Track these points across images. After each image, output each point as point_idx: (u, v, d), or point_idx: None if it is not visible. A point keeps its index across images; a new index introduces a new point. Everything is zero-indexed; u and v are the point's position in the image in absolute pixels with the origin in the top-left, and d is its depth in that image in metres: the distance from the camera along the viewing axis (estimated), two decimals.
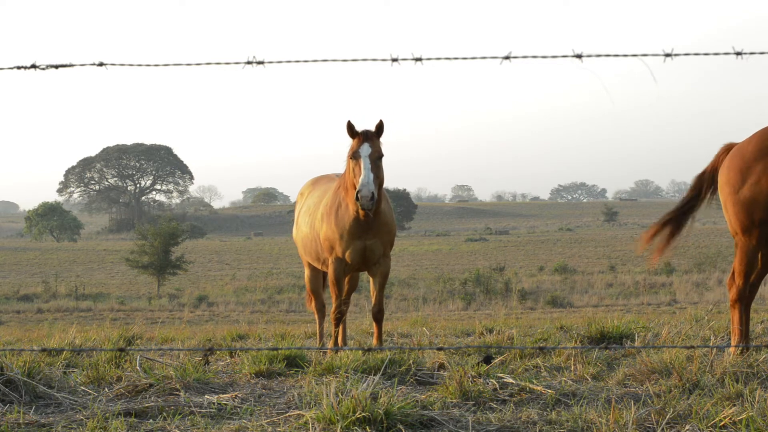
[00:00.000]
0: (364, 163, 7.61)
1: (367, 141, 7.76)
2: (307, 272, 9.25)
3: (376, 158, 7.70)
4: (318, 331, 9.35)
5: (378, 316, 8.27)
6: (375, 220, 8.01)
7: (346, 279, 8.86)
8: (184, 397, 5.84)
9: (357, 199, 7.52)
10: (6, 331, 20.24)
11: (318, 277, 9.28)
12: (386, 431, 4.95)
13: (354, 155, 7.72)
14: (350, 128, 7.83)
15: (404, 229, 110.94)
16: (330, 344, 8.64)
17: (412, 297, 48.97)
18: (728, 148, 7.55)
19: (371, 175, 7.57)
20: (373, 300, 8.31)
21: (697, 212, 7.99)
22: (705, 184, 7.86)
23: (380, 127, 7.84)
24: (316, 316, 9.40)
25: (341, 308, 8.34)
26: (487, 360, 6.80)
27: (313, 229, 8.50)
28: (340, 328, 8.49)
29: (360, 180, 7.55)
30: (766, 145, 7.05)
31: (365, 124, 7.97)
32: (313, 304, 9.39)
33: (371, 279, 8.38)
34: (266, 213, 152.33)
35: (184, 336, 12.18)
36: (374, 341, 8.33)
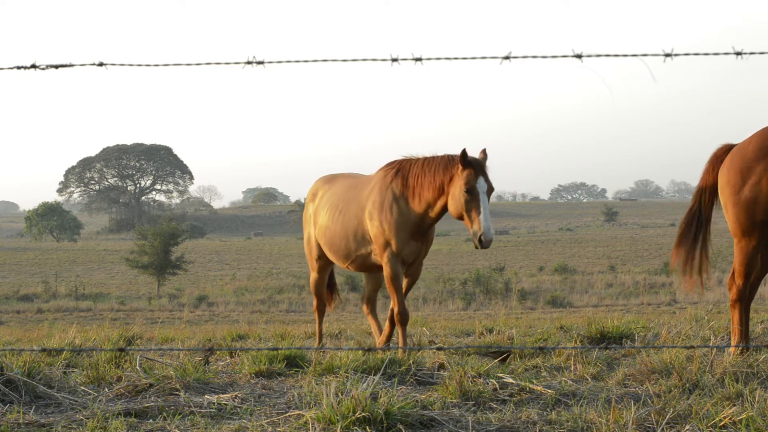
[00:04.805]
0: (484, 203, 7.38)
1: (482, 174, 7.49)
2: (313, 275, 9.14)
3: (490, 194, 7.50)
4: (317, 331, 9.26)
5: (392, 317, 8.17)
6: (432, 227, 8.00)
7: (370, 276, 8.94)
8: (184, 397, 5.84)
9: (480, 241, 7.27)
10: (6, 331, 20.25)
11: (323, 281, 9.20)
12: (386, 431, 4.95)
13: (470, 190, 7.40)
14: (464, 157, 7.49)
15: None
16: (400, 344, 8.15)
17: (412, 297, 48.98)
18: (726, 149, 7.54)
19: (489, 217, 7.36)
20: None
21: (709, 223, 7.95)
22: (704, 194, 7.84)
23: (486, 158, 7.62)
24: (316, 316, 9.31)
25: (403, 310, 8.06)
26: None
27: (347, 227, 8.30)
28: (398, 329, 8.20)
29: (482, 224, 7.29)
30: (766, 145, 7.04)
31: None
32: (315, 303, 9.29)
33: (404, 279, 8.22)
34: (266, 213, 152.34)
35: (184, 336, 12.19)
36: (401, 342, 8.07)
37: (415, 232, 7.95)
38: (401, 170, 8.05)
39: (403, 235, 7.92)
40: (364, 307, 9.12)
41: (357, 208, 8.27)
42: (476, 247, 7.40)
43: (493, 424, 5.12)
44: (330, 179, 9.10)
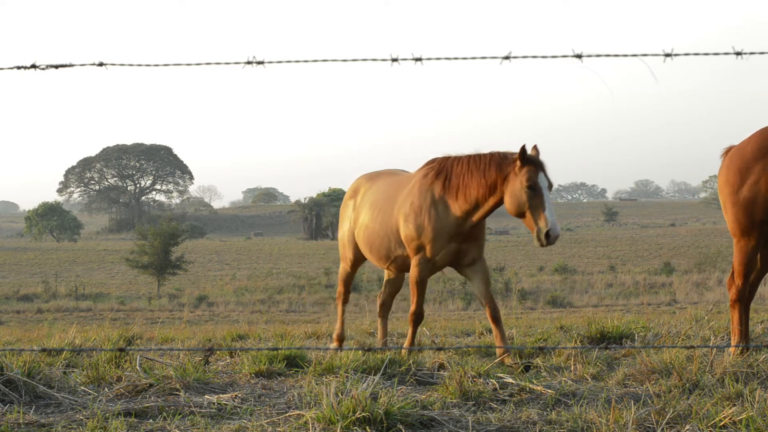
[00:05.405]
0: (547, 199, 7.25)
1: (542, 170, 7.33)
2: (345, 268, 8.99)
3: (551, 189, 7.35)
4: (340, 316, 8.99)
5: (496, 314, 7.71)
6: (476, 225, 7.71)
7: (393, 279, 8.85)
8: (184, 397, 5.84)
9: (546, 236, 7.10)
10: (6, 331, 20.23)
11: (353, 275, 9.10)
12: (386, 431, 4.95)
13: (533, 186, 7.21)
14: (523, 154, 7.28)
15: None
16: (406, 344, 8.19)
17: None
18: (728, 150, 7.55)
19: (554, 213, 7.25)
20: (485, 301, 7.78)
21: None
22: None
23: (538, 153, 7.43)
24: (338, 303, 9.09)
25: (419, 311, 8.00)
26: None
27: (387, 227, 8.07)
28: (409, 327, 8.19)
29: (548, 220, 7.14)
30: (765, 145, 7.04)
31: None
32: (340, 290, 9.13)
33: (472, 281, 7.94)
34: (266, 213, 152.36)
35: (184, 336, 12.18)
36: (498, 342, 7.68)
37: (454, 235, 7.68)
38: (443, 170, 7.78)
39: (439, 242, 7.69)
40: (379, 310, 8.92)
41: (395, 207, 8.02)
42: (542, 245, 7.21)
43: (493, 424, 5.12)
44: (373, 177, 8.84)
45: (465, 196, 7.58)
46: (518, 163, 7.29)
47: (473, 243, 7.83)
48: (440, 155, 7.96)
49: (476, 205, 7.57)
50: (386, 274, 8.98)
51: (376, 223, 8.21)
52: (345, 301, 9.17)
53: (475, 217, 7.62)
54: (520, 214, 7.32)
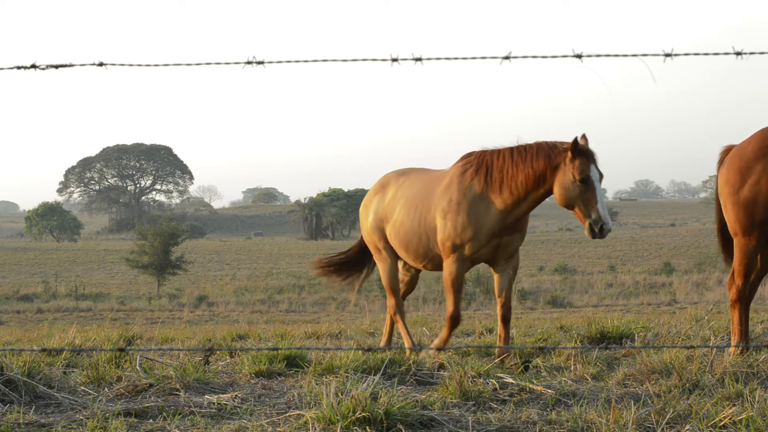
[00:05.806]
0: (599, 192, 7.12)
1: (594, 162, 7.18)
2: (383, 264, 8.49)
3: (601, 180, 7.20)
4: (404, 332, 8.32)
5: (508, 315, 7.63)
6: (514, 224, 7.54)
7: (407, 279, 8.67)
8: (184, 397, 5.84)
9: (601, 230, 6.96)
10: (6, 331, 20.24)
11: (396, 268, 8.52)
12: (386, 431, 4.95)
13: (585, 180, 7.06)
14: (575, 145, 7.12)
15: None
16: (435, 344, 7.88)
17: (412, 297, 48.97)
18: (728, 150, 7.55)
19: (606, 206, 7.12)
20: (501, 299, 7.63)
21: None
22: None
23: (587, 143, 7.27)
24: (396, 318, 8.40)
25: (457, 313, 7.70)
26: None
27: (425, 224, 7.78)
28: (444, 329, 7.89)
29: (601, 214, 6.98)
30: (765, 145, 7.05)
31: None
32: (392, 303, 8.42)
33: (498, 275, 7.71)
34: (266, 213, 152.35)
35: (184, 336, 12.18)
36: (501, 342, 7.59)
37: (496, 232, 7.49)
38: (483, 164, 7.55)
39: (479, 240, 7.47)
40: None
41: (432, 204, 7.75)
42: (593, 237, 7.07)
43: (493, 424, 5.12)
44: (404, 172, 8.52)
45: (510, 189, 7.38)
46: (569, 154, 7.14)
47: (517, 233, 7.65)
48: (477, 149, 7.75)
49: (522, 197, 7.39)
50: (401, 276, 8.74)
51: (414, 222, 7.92)
52: (402, 311, 8.47)
53: (520, 210, 7.45)
54: (569, 206, 7.19)
